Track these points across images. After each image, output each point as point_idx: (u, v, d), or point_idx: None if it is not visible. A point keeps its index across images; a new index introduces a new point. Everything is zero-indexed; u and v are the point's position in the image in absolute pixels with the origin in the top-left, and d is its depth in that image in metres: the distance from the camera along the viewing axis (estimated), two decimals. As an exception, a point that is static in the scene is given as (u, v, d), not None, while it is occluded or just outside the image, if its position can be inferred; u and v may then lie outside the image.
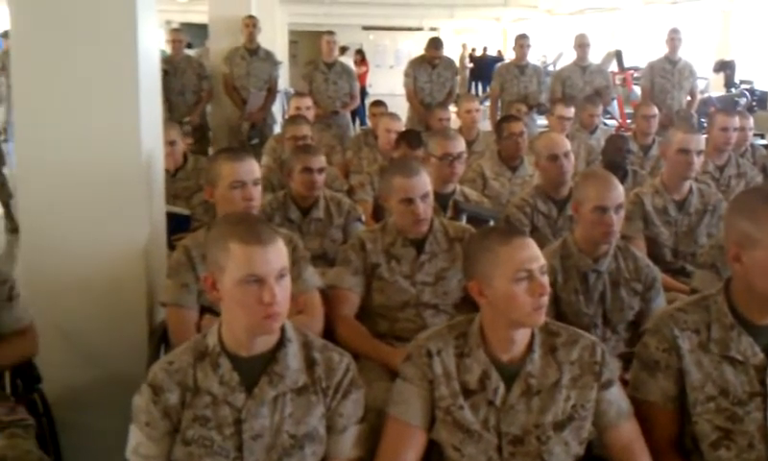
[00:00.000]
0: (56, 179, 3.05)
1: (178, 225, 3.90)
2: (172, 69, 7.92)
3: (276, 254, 2.00)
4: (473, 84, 24.43)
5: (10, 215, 7.67)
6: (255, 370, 2.05)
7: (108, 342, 3.11)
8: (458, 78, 8.27)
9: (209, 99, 8.33)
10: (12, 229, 7.40)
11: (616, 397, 2.19)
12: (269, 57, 8.22)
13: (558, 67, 12.03)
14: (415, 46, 26.95)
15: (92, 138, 3.04)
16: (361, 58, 19.45)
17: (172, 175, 4.66)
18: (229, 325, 2.06)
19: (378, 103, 7.04)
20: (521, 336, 2.15)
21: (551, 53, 21.08)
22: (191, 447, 2.02)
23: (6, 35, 10.64)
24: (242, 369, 2.04)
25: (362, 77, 16.78)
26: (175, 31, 8.61)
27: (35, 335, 2.83)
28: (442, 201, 3.93)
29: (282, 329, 2.08)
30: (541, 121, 8.43)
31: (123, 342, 3.10)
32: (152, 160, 3.25)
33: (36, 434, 2.59)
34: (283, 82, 10.89)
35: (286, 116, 7.52)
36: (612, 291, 3.03)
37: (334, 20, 20.49)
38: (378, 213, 4.61)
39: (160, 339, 2.96)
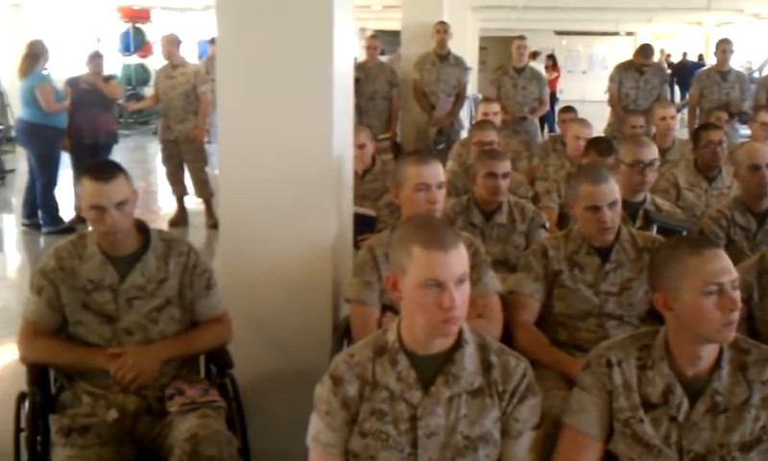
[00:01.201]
0: (253, 178, 3.22)
1: (364, 226, 4.00)
2: (364, 75, 8.13)
3: (458, 259, 2.00)
4: (671, 90, 23.45)
5: (210, 212, 8.15)
6: (432, 369, 2.07)
7: (294, 334, 3.25)
8: (666, 86, 7.95)
9: (399, 106, 8.49)
10: (212, 224, 7.87)
11: None
12: (458, 62, 8.28)
13: (764, 74, 11.33)
14: (610, 51, 26.25)
15: (288, 141, 3.19)
16: (552, 63, 19.16)
17: (360, 177, 4.79)
18: (409, 324, 2.08)
19: (568, 109, 6.92)
20: (709, 351, 2.06)
21: (757, 59, 19.88)
22: (367, 439, 2.06)
23: (213, 41, 11.34)
24: (419, 367, 2.07)
25: (552, 82, 16.52)
26: (371, 37, 8.84)
27: (229, 323, 2.99)
28: (631, 209, 3.80)
29: (460, 331, 2.09)
30: (744, 131, 7.97)
31: (309, 334, 3.23)
32: (342, 162, 3.36)
33: (226, 416, 2.76)
34: (471, 87, 10.93)
35: (473, 121, 7.55)
36: (815, 313, 2.83)
37: (526, 25, 20.25)
38: (563, 222, 4.54)
39: (343, 334, 3.04)
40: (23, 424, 2.72)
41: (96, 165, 2.86)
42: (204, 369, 3.07)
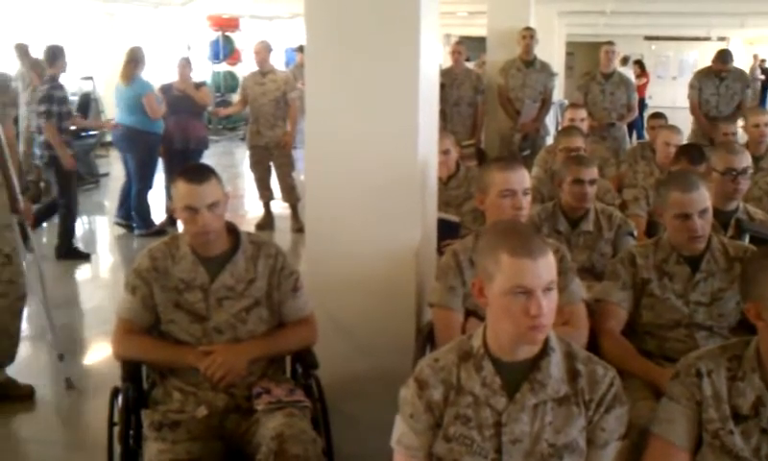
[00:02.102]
0: (339, 183, 3.26)
1: (447, 231, 4.00)
2: (449, 81, 8.14)
3: (546, 267, 1.99)
4: (763, 96, 22.67)
5: (296, 216, 8.28)
6: (517, 375, 2.06)
7: (378, 337, 3.28)
8: (749, 91, 7.75)
9: (484, 113, 8.46)
10: (298, 228, 7.99)
11: None
12: (545, 68, 8.22)
13: None
14: (701, 57, 25.53)
15: (373, 146, 3.21)
16: (641, 68, 18.77)
17: (444, 183, 4.79)
18: (494, 330, 2.08)
19: (657, 115, 6.79)
20: (802, 364, 2.00)
21: None
22: (452, 443, 2.07)
23: (301, 49, 11.50)
24: (504, 373, 2.07)
25: (641, 88, 16.20)
26: (457, 44, 8.87)
27: (314, 325, 3.04)
28: (722, 218, 3.71)
29: (546, 339, 2.07)
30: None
31: (392, 338, 3.24)
32: (426, 168, 3.37)
33: (311, 416, 2.80)
34: (558, 93, 10.81)
35: (559, 128, 7.47)
36: None
37: (614, 31, 19.90)
38: (651, 229, 4.45)
39: (426, 338, 3.05)
40: (116, 419, 2.81)
41: (190, 168, 2.95)
42: (290, 369, 3.12)
